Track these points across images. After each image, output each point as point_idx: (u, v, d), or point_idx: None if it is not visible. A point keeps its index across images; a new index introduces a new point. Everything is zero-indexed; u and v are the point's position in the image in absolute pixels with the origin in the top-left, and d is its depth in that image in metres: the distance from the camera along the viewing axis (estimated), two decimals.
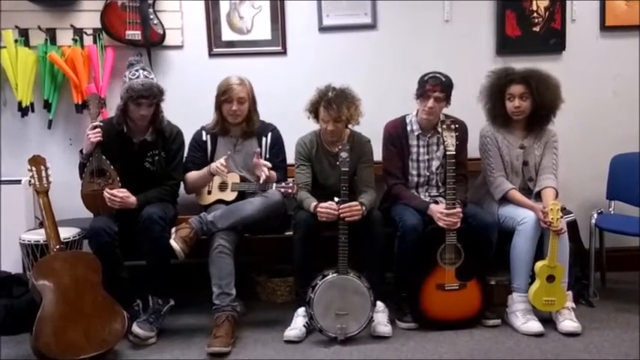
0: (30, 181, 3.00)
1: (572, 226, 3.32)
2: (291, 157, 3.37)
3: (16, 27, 3.63)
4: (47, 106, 3.66)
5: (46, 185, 2.99)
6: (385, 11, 3.78)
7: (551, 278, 3.00)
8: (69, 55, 3.60)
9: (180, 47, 3.78)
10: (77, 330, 2.71)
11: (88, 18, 3.66)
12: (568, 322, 3.00)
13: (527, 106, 3.22)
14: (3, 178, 3.60)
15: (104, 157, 3.08)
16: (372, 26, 3.79)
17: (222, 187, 3.29)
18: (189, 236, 2.99)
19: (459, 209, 3.00)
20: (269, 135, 3.36)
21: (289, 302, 3.38)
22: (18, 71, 3.58)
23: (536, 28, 3.80)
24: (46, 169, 3.01)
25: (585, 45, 3.82)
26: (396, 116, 3.35)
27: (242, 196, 3.24)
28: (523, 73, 3.23)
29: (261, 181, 3.11)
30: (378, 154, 3.35)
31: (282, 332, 3.00)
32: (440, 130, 3.11)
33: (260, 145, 3.33)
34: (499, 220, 3.19)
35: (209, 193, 3.32)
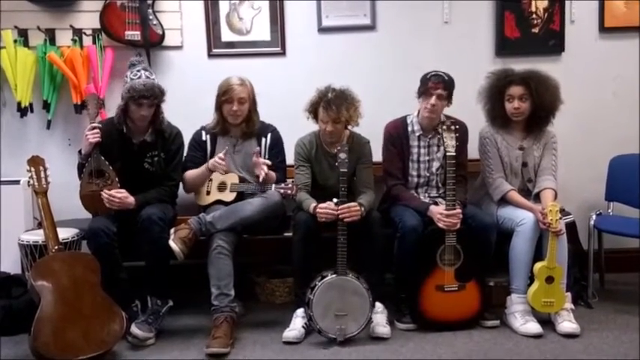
0: (29, 181, 2.99)
1: (571, 228, 3.32)
2: (290, 158, 3.37)
3: (16, 27, 3.63)
4: (46, 106, 3.66)
5: (44, 186, 2.99)
6: (384, 12, 3.79)
7: (550, 279, 3.01)
8: (68, 55, 3.60)
9: (179, 48, 3.78)
10: (76, 330, 2.71)
11: (88, 18, 3.66)
12: (567, 324, 3.00)
13: (527, 107, 3.22)
14: (2, 179, 3.59)
15: (103, 157, 3.07)
16: (371, 27, 3.79)
17: (221, 187, 3.29)
18: (188, 237, 2.99)
19: (458, 210, 3.01)
20: (268, 136, 3.36)
21: (288, 303, 3.38)
22: (17, 72, 3.58)
23: (535, 30, 3.80)
24: (45, 169, 3.01)
25: (584, 46, 3.82)
26: (395, 117, 3.36)
27: (241, 196, 3.24)
28: (522, 74, 3.23)
29: (260, 180, 3.11)
30: (377, 155, 3.35)
31: (281, 333, 3.00)
32: (440, 131, 3.11)
33: (259, 146, 3.33)
34: (498, 221, 3.20)
35: (208, 193, 3.32)
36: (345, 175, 2.99)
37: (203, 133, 3.37)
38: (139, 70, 3.06)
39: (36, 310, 2.69)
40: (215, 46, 3.78)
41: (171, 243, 2.97)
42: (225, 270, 3.00)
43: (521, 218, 3.10)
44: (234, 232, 3.08)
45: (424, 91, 3.15)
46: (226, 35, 3.78)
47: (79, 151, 3.15)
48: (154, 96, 3.05)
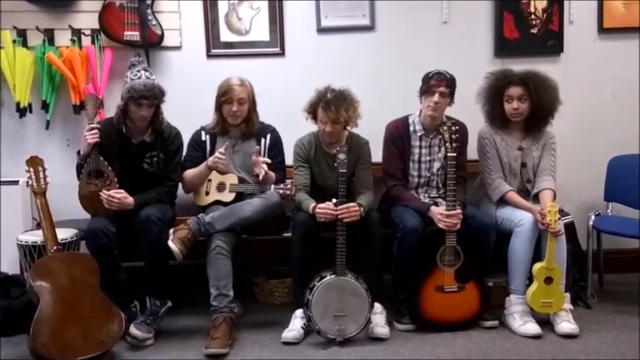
0: (27, 182, 2.99)
1: (570, 228, 3.32)
2: (289, 159, 3.37)
3: (14, 27, 3.63)
4: (45, 106, 3.65)
5: (43, 186, 2.99)
6: (383, 12, 3.79)
7: (548, 280, 3.01)
8: (67, 55, 3.60)
9: (178, 48, 3.78)
10: (74, 331, 2.71)
11: (87, 19, 3.65)
12: (565, 324, 3.00)
13: (526, 107, 3.22)
14: (1, 179, 3.58)
15: (102, 158, 3.07)
16: (370, 27, 3.79)
17: (220, 188, 3.29)
18: (187, 237, 2.99)
19: (459, 211, 3.01)
20: (268, 136, 3.36)
21: (287, 303, 3.38)
22: (16, 72, 3.57)
23: (534, 30, 3.81)
24: (44, 170, 3.00)
25: (583, 47, 3.83)
26: (394, 117, 3.36)
27: (240, 197, 3.24)
28: (521, 74, 3.23)
29: (260, 179, 3.11)
30: (376, 156, 3.35)
31: (280, 334, 3.00)
32: (442, 131, 3.11)
33: (259, 147, 3.32)
34: (497, 221, 3.20)
35: (207, 194, 3.32)
36: (344, 176, 2.99)
37: (202, 133, 3.37)
38: (139, 71, 3.07)
39: (35, 311, 2.69)
40: (214, 46, 3.77)
41: (170, 243, 2.96)
42: (224, 270, 2.99)
43: (520, 219, 3.10)
44: (233, 232, 3.08)
45: (426, 89, 3.15)
46: (225, 35, 3.78)
47: (78, 152, 3.15)
48: (153, 96, 3.05)
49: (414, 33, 3.80)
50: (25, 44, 3.63)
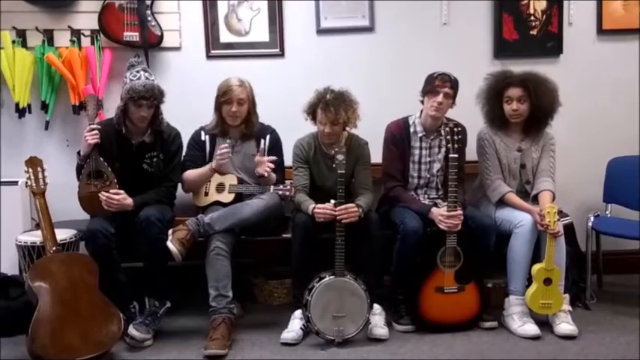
0: (27, 182, 2.98)
1: (569, 229, 3.33)
2: (289, 160, 3.37)
3: (14, 28, 3.63)
4: (44, 107, 3.65)
5: (42, 187, 2.98)
6: (383, 14, 3.79)
7: (548, 281, 3.01)
8: (66, 56, 3.60)
9: (177, 49, 3.78)
10: (73, 332, 2.70)
11: (86, 19, 3.65)
12: (565, 325, 3.01)
13: (525, 109, 3.23)
14: (0, 180, 3.58)
15: (102, 159, 3.07)
16: (369, 29, 3.79)
17: (220, 188, 3.29)
18: (186, 238, 2.99)
19: (460, 211, 3.01)
20: (267, 137, 3.36)
21: (286, 304, 3.38)
22: (15, 72, 3.57)
23: (534, 32, 3.81)
24: (43, 170, 3.00)
25: (582, 48, 3.83)
26: (393, 118, 3.36)
27: (239, 198, 3.24)
28: (521, 76, 3.24)
29: (265, 175, 3.10)
30: (375, 157, 3.35)
31: (279, 334, 3.00)
32: (443, 132, 3.11)
33: (258, 147, 3.33)
34: (496, 222, 3.19)
35: (206, 194, 3.32)
36: (342, 177, 2.98)
37: (202, 132, 3.37)
38: (138, 72, 3.07)
39: (33, 312, 2.69)
40: (214, 47, 3.78)
41: (170, 244, 2.96)
42: (223, 271, 2.99)
43: (519, 220, 3.10)
44: (233, 233, 3.08)
45: (431, 90, 3.15)
46: (225, 36, 3.78)
47: (78, 152, 3.15)
48: (153, 97, 3.06)
49: (414, 34, 3.81)
50: (24, 45, 3.63)
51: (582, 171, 3.81)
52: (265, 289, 3.56)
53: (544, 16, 3.80)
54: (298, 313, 3.04)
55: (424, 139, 3.29)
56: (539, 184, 3.27)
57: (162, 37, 3.67)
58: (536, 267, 3.03)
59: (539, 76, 3.24)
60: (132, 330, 2.94)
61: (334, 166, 3.02)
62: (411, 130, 3.30)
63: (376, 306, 3.08)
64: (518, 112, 3.23)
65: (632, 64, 3.84)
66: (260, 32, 3.78)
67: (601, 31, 3.82)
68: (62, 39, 3.65)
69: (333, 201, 2.99)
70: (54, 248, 2.90)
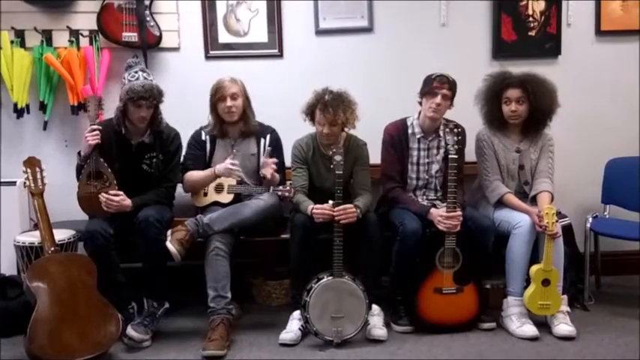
0: (25, 182, 2.98)
1: (568, 230, 3.33)
2: (288, 160, 3.37)
3: (12, 28, 3.62)
4: (43, 107, 3.65)
5: (41, 187, 2.98)
6: (382, 14, 3.79)
7: (546, 282, 3.01)
8: (65, 56, 3.60)
9: (176, 49, 3.77)
10: (71, 332, 2.70)
11: (85, 19, 3.65)
12: (563, 326, 3.01)
13: (524, 110, 3.23)
14: None
15: (102, 159, 3.07)
16: (368, 29, 3.79)
17: (219, 189, 3.29)
18: (185, 238, 2.99)
19: (459, 212, 3.01)
20: (268, 136, 3.36)
21: (285, 305, 3.38)
22: (14, 73, 3.57)
23: (532, 33, 3.81)
24: (41, 170, 3.00)
25: (581, 49, 3.84)
26: (392, 119, 3.36)
27: (238, 198, 3.24)
28: (520, 77, 3.24)
29: (268, 177, 3.11)
30: (374, 157, 3.35)
31: (278, 335, 3.00)
32: (442, 133, 3.11)
33: (258, 147, 3.33)
34: (494, 223, 3.19)
35: (205, 195, 3.32)
36: (340, 177, 2.98)
37: (202, 132, 3.37)
38: (136, 72, 3.07)
39: (32, 312, 2.68)
40: (212, 47, 3.77)
41: (169, 244, 2.96)
42: (222, 272, 2.99)
43: (518, 221, 3.10)
44: (232, 233, 3.08)
45: (429, 91, 3.15)
46: (223, 37, 3.78)
47: (79, 153, 3.14)
48: (152, 97, 3.06)
49: (412, 35, 3.81)
50: (23, 45, 3.62)
51: (581, 172, 3.81)
52: (264, 289, 3.56)
53: (542, 17, 3.80)
54: (297, 313, 3.04)
55: (422, 141, 3.29)
56: (537, 185, 3.27)
57: (160, 37, 3.67)
58: (534, 268, 3.03)
59: (538, 77, 3.24)
60: (130, 330, 2.94)
61: (332, 166, 3.02)
62: (409, 131, 3.30)
63: (375, 307, 3.08)
64: (516, 113, 3.23)
65: (631, 65, 3.84)
66: (259, 33, 3.78)
67: (599, 32, 3.82)
68: (61, 39, 3.65)
69: (331, 202, 2.99)
70: (52, 249, 2.89)
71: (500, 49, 3.81)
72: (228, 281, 3.01)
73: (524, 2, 3.79)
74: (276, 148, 3.37)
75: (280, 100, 3.64)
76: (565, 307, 3.10)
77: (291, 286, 3.24)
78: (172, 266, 3.07)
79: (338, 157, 3.00)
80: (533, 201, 3.25)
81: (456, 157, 3.02)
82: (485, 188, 3.32)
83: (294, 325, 3.03)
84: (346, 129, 3.22)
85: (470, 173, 3.43)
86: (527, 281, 3.09)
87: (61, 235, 3.13)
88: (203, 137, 3.35)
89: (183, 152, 3.36)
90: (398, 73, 3.75)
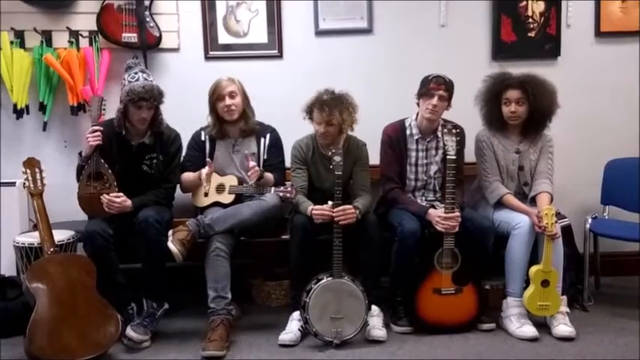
0: (24, 183, 2.99)
1: (567, 231, 3.32)
2: (288, 161, 3.37)
3: (12, 29, 3.62)
4: (42, 108, 3.65)
5: (40, 188, 2.98)
6: (381, 15, 3.79)
7: (545, 283, 3.01)
8: (64, 57, 3.60)
9: (176, 50, 3.78)
10: (71, 333, 2.70)
11: (84, 20, 3.65)
12: (562, 327, 3.01)
13: (524, 111, 3.23)
14: None
15: (102, 160, 3.07)
16: (368, 30, 3.80)
17: (220, 189, 3.29)
18: (186, 239, 2.99)
19: (457, 213, 3.01)
20: (268, 136, 3.36)
21: (284, 306, 3.37)
22: (13, 73, 3.57)
23: (532, 34, 3.82)
24: (41, 171, 3.00)
25: (580, 50, 3.84)
26: (392, 120, 3.36)
27: (239, 198, 3.24)
28: (520, 78, 3.24)
29: (251, 183, 3.11)
30: (373, 158, 3.35)
31: (277, 336, 3.00)
32: (440, 134, 3.11)
33: (258, 146, 3.33)
34: (494, 224, 3.19)
35: (206, 195, 3.31)
36: (340, 178, 2.98)
37: (202, 133, 3.37)
38: (136, 73, 3.07)
39: (31, 313, 2.68)
40: (212, 48, 3.78)
41: (170, 245, 2.96)
42: (222, 272, 2.99)
43: (517, 222, 3.10)
44: (232, 234, 3.08)
45: (425, 92, 3.15)
46: (223, 38, 3.78)
47: (80, 153, 3.14)
48: (153, 98, 3.06)
49: (412, 36, 3.81)
50: (22, 45, 3.62)
51: (580, 173, 3.81)
52: (263, 290, 3.56)
53: (542, 18, 3.81)
54: (296, 314, 3.04)
55: (421, 142, 3.29)
56: (537, 185, 3.27)
57: (160, 38, 3.67)
58: (533, 269, 3.03)
59: (537, 78, 3.24)
60: (130, 331, 2.94)
61: (332, 167, 3.02)
62: (408, 132, 3.30)
63: (374, 307, 3.08)
64: (516, 114, 3.23)
65: (630, 66, 3.84)
66: (258, 33, 3.78)
67: (599, 33, 3.83)
68: (60, 40, 3.65)
69: (330, 202, 2.99)
70: (52, 249, 2.89)
71: (500, 50, 3.81)
72: (229, 282, 3.01)
73: (523, 3, 3.79)
74: (276, 148, 3.37)
75: (280, 100, 3.64)
76: (564, 308, 3.10)
77: (290, 286, 3.24)
78: (172, 267, 3.07)
79: (337, 158, 3.00)
80: (533, 202, 3.25)
81: (454, 157, 3.02)
82: (484, 189, 3.32)
83: (293, 325, 3.03)
84: (343, 130, 3.21)
85: (469, 174, 3.43)
86: (527, 282, 3.09)
87: (60, 235, 3.13)
88: (202, 138, 3.35)
89: (184, 153, 3.36)
90: (397, 73, 3.75)
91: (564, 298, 3.12)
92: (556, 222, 3.00)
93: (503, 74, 3.31)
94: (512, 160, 3.31)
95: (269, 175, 3.22)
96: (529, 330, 3.01)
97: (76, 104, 3.62)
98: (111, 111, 3.24)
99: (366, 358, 2.85)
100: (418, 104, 3.23)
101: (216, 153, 3.33)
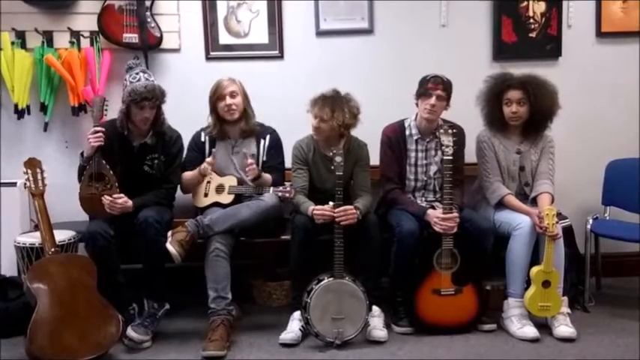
0: (25, 183, 2.99)
1: (568, 232, 3.32)
2: (289, 161, 3.37)
3: (13, 29, 3.63)
4: (43, 108, 3.65)
5: (41, 188, 2.99)
6: (382, 16, 3.79)
7: (546, 283, 3.01)
8: (66, 57, 3.60)
9: (177, 50, 3.78)
10: (72, 333, 2.70)
11: (85, 20, 3.65)
12: (563, 328, 3.01)
13: (525, 111, 3.23)
14: None
15: (104, 161, 3.07)
16: (369, 31, 3.80)
17: (219, 189, 3.29)
18: (185, 239, 2.99)
19: (455, 214, 3.01)
20: (267, 137, 3.36)
21: (285, 306, 3.37)
22: (14, 74, 3.57)
23: (533, 34, 3.81)
24: (42, 171, 3.00)
25: (581, 51, 3.84)
26: (392, 120, 3.36)
27: (239, 199, 3.24)
28: (521, 78, 3.24)
29: (248, 179, 3.12)
30: (374, 159, 3.35)
31: (278, 336, 3.00)
32: (438, 134, 3.11)
33: (258, 148, 3.33)
34: (495, 225, 3.20)
35: (206, 195, 3.32)
36: (341, 179, 2.99)
37: (202, 134, 3.37)
38: (137, 73, 3.07)
39: (32, 313, 2.68)
40: (213, 48, 3.78)
41: (169, 246, 2.96)
42: (222, 273, 2.99)
43: (518, 222, 3.10)
44: (232, 234, 3.08)
45: (423, 92, 3.15)
46: (224, 38, 3.78)
47: (81, 154, 3.14)
48: (155, 97, 3.06)
49: (413, 36, 3.81)
50: (23, 46, 3.63)
51: (581, 173, 3.81)
52: (264, 290, 3.56)
53: (543, 19, 3.80)
54: (297, 314, 3.04)
55: (420, 142, 3.29)
56: (538, 186, 3.27)
57: (161, 38, 3.67)
58: (534, 269, 3.03)
59: (539, 79, 3.24)
60: (130, 331, 2.94)
61: (333, 167, 3.02)
62: (407, 132, 3.30)
63: (375, 308, 3.08)
64: (517, 115, 3.23)
65: (631, 66, 3.84)
66: (259, 34, 3.78)
67: (600, 33, 3.83)
68: (61, 40, 3.65)
69: (331, 203, 2.99)
70: (53, 249, 2.90)
71: (501, 51, 3.81)
72: (229, 282, 3.01)
73: (524, 3, 3.79)
74: (276, 149, 3.37)
75: (281, 101, 3.64)
76: (565, 309, 3.09)
77: (291, 287, 3.24)
78: (173, 267, 3.07)
79: (338, 159, 3.00)
80: (534, 202, 3.25)
81: (450, 158, 3.02)
82: (485, 189, 3.32)
83: (294, 325, 3.03)
84: (340, 130, 3.20)
85: (470, 174, 3.42)
86: (528, 283, 3.09)
87: (61, 235, 3.13)
88: (202, 139, 3.36)
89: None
90: (398, 74, 3.75)
91: (565, 298, 3.12)
92: (557, 222, 3.00)
93: (505, 74, 3.31)
94: (513, 161, 3.31)
95: (267, 176, 3.23)
96: (530, 331, 3.00)
97: (77, 105, 3.62)
98: (112, 112, 3.24)
99: (366, 358, 2.85)
100: (417, 104, 3.23)
101: (217, 154, 3.33)
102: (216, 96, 3.25)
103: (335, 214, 2.95)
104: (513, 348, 2.92)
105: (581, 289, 3.43)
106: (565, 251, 3.12)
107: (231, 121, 3.29)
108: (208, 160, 3.20)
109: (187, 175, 3.30)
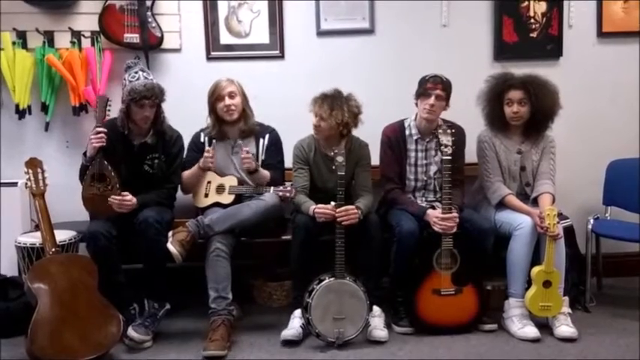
0: (26, 183, 2.99)
1: (569, 232, 3.32)
2: (289, 161, 3.37)
3: (14, 29, 3.63)
4: (44, 108, 3.65)
5: (42, 188, 2.99)
6: (383, 16, 3.79)
7: (547, 284, 3.01)
8: (67, 57, 3.60)
9: (178, 50, 3.78)
10: (72, 333, 2.70)
11: (86, 21, 3.65)
12: (564, 328, 3.00)
13: (526, 111, 3.23)
14: (0, 181, 3.58)
15: (106, 162, 3.07)
16: (370, 31, 3.79)
17: (220, 189, 3.29)
18: (186, 240, 2.99)
19: (455, 214, 3.01)
20: (267, 136, 3.36)
21: (285, 306, 3.37)
22: (15, 74, 3.57)
23: (534, 34, 3.81)
24: (43, 171, 3.01)
25: (582, 51, 3.83)
26: (393, 120, 3.36)
27: (239, 199, 3.24)
28: (522, 78, 3.24)
29: (244, 168, 3.13)
30: (375, 159, 3.35)
31: (278, 336, 3.00)
32: (437, 134, 3.11)
33: (258, 147, 3.33)
34: (496, 225, 3.20)
35: (206, 195, 3.32)
36: (342, 179, 2.99)
37: (202, 134, 3.38)
38: (136, 72, 3.07)
39: (33, 313, 2.68)
40: (214, 48, 3.78)
41: (170, 246, 2.96)
42: (222, 273, 2.99)
43: (519, 222, 3.10)
44: (233, 234, 3.08)
45: (423, 92, 3.15)
46: (225, 38, 3.78)
47: (84, 153, 3.14)
48: (154, 96, 3.07)
49: (414, 36, 3.81)
50: (24, 46, 3.63)
51: (582, 173, 3.81)
52: (264, 290, 3.56)
53: (544, 19, 3.80)
54: (298, 312, 3.04)
55: (420, 142, 3.29)
56: (539, 186, 3.27)
57: (162, 38, 3.67)
58: (535, 269, 3.03)
59: (540, 79, 3.24)
60: (131, 331, 2.94)
61: (334, 167, 3.02)
62: (407, 132, 3.30)
63: (375, 308, 3.08)
64: (518, 115, 3.23)
65: (632, 66, 3.84)
66: (260, 34, 3.78)
67: (601, 33, 3.82)
68: (62, 40, 3.65)
69: (333, 203, 2.99)
70: (53, 249, 2.90)
71: (502, 51, 3.81)
72: (229, 282, 3.01)
73: (525, 3, 3.79)
74: (276, 147, 3.38)
75: (281, 101, 3.64)
76: (566, 309, 3.09)
77: (292, 287, 3.24)
78: (173, 267, 3.07)
79: (340, 159, 3.00)
80: (535, 202, 3.25)
81: (449, 158, 3.02)
82: (486, 189, 3.31)
83: (295, 322, 3.03)
84: (340, 129, 3.19)
85: (471, 174, 3.42)
86: (529, 283, 3.08)
87: (62, 235, 3.13)
88: (202, 140, 3.36)
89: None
90: (399, 74, 3.75)
91: (566, 298, 3.12)
92: (558, 223, 3.00)
93: (506, 74, 3.31)
94: (514, 161, 3.30)
95: (265, 172, 3.22)
96: (531, 331, 3.00)
97: (78, 105, 3.62)
98: (113, 112, 3.23)
99: (367, 358, 2.85)
100: (416, 104, 3.23)
101: (216, 154, 3.33)
102: (215, 97, 3.25)
103: (336, 214, 2.95)
104: (514, 348, 2.92)
105: (582, 289, 3.43)
106: (566, 251, 3.12)
107: (230, 122, 3.29)
108: (207, 153, 3.19)
109: (187, 172, 3.30)
